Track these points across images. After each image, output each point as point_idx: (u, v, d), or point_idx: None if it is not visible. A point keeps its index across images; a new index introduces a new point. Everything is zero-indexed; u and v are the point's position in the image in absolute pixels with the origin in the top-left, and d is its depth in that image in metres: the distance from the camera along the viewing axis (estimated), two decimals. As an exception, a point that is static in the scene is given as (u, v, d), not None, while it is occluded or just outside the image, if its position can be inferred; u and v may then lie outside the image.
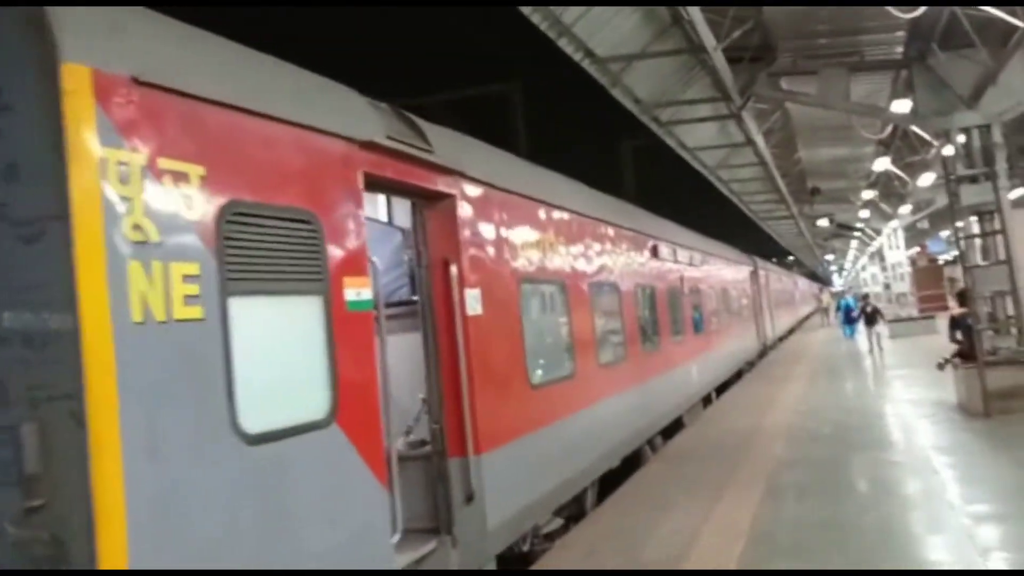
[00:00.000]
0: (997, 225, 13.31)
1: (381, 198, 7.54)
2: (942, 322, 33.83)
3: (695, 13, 10.38)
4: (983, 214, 13.54)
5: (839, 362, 25.73)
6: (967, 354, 13.69)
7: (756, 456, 11.43)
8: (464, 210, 7.17)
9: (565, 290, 9.55)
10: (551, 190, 9.77)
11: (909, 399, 15.80)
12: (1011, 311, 13.32)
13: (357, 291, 5.40)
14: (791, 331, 47.49)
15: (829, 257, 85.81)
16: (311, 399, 4.92)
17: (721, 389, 20.94)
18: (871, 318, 27.25)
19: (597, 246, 11.08)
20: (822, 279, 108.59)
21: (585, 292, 10.31)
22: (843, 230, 47.32)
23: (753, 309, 29.58)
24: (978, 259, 13.54)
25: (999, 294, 13.32)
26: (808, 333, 46.30)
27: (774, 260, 62.89)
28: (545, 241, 9.06)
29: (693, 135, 18.79)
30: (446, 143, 7.14)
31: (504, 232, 7.96)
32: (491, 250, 7.63)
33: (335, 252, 5.22)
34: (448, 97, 23.56)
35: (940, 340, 26.31)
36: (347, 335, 5.23)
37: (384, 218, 7.59)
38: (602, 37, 11.71)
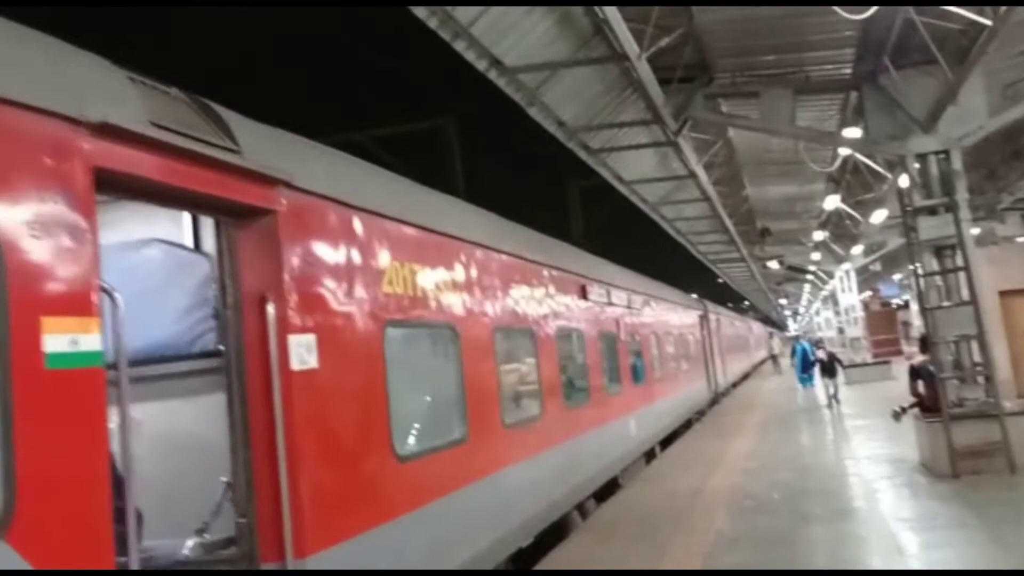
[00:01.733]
0: (959, 261, 11.94)
1: (187, 215, 5.83)
2: (897, 367, 32.77)
3: (611, 12, 8.88)
4: (943, 249, 12.16)
5: (792, 412, 24.23)
6: (930, 406, 12.22)
7: (694, 529, 9.76)
8: (293, 231, 5.47)
9: (457, 337, 7.86)
10: (440, 216, 8.13)
11: (868, 456, 14.27)
12: (977, 357, 11.90)
13: (72, 339, 3.67)
14: (745, 377, 46.22)
15: (782, 301, 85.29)
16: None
17: (668, 441, 19.37)
18: (828, 367, 24.54)
19: (506, 285, 9.45)
20: (777, 324, 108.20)
21: (486, 339, 8.63)
22: (795, 273, 46.41)
23: (703, 355, 28.12)
24: (940, 300, 12.12)
25: (964, 339, 11.89)
26: (763, 380, 44.96)
27: (729, 305, 62.01)
28: (427, 276, 7.39)
29: (631, 167, 17.32)
30: (263, 143, 5.47)
31: (360, 263, 6.28)
32: (338, 285, 5.93)
33: (26, 282, 3.50)
34: (383, 133, 22.17)
35: (897, 387, 25.01)
36: (44, 404, 3.49)
37: (188, 241, 5.86)
38: (510, 44, 10.20)
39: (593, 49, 11.08)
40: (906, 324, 50.89)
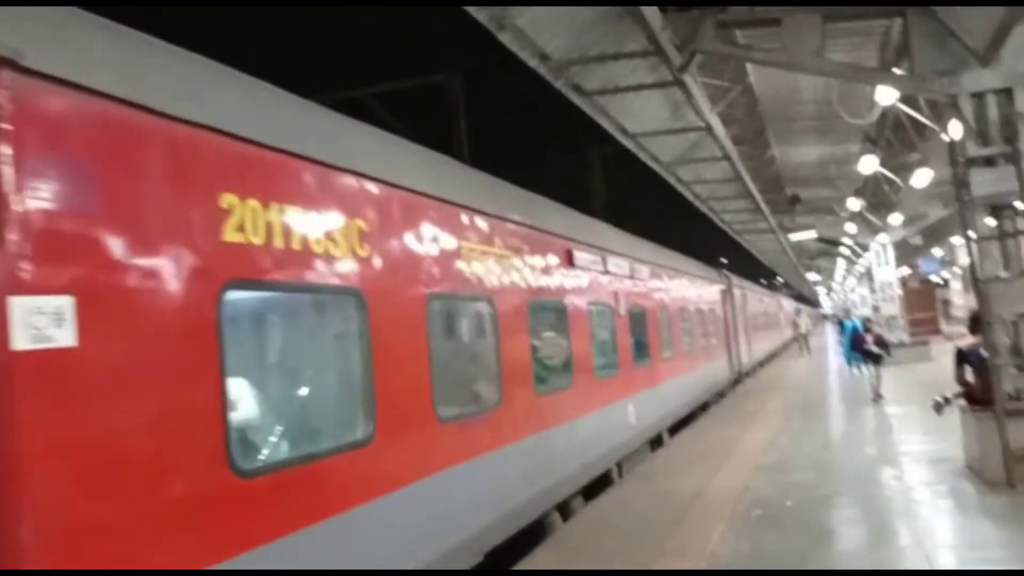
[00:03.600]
0: (1022, 224, 9.84)
1: None
2: (936, 348, 30.41)
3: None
4: (1001, 209, 10.04)
5: (820, 396, 22.14)
6: (980, 398, 10.18)
7: (683, 549, 7.88)
8: (33, 137, 3.63)
9: (364, 305, 5.98)
10: (342, 146, 6.25)
11: (903, 453, 12.24)
12: (1040, 341, 9.82)
13: None
14: (773, 356, 43.96)
15: (815, 277, 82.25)
16: None
17: (682, 424, 17.49)
18: (874, 353, 19.17)
19: (452, 244, 7.56)
20: (809, 301, 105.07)
21: (414, 310, 6.76)
22: (828, 246, 43.90)
23: (725, 332, 26.06)
24: (996, 271, 10.02)
25: (1024, 318, 9.81)
26: (793, 359, 42.55)
27: (762, 282, 59.70)
28: (316, 225, 5.52)
29: (637, 117, 15.20)
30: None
31: (181, 198, 4.42)
32: (130, 227, 4.08)
33: None
34: (385, 89, 20.42)
35: (936, 370, 22.82)
36: None
37: None
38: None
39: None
40: (946, 303, 48.28)
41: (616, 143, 19.24)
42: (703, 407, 21.00)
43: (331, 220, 5.68)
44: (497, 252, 8.61)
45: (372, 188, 6.32)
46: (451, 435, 7.11)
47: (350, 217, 5.94)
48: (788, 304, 66.29)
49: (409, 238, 6.76)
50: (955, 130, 10.34)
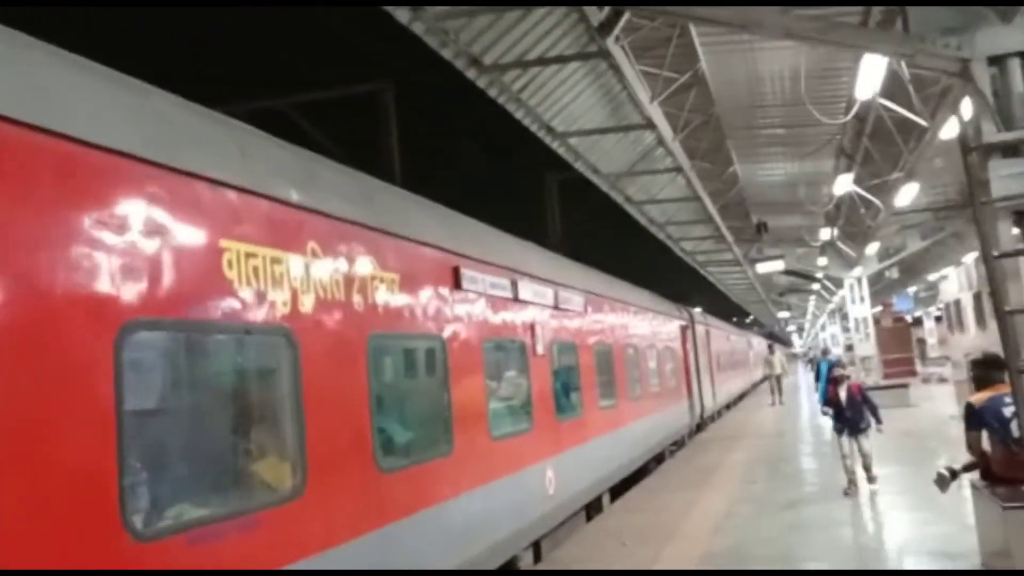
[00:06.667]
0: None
1: None
2: (915, 392, 27.82)
3: None
4: (1029, 215, 7.39)
5: (790, 450, 19.36)
6: (1000, 473, 7.46)
7: None
8: None
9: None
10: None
11: (897, 538, 9.48)
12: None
13: None
14: (742, 396, 41.30)
15: (785, 315, 79.85)
16: None
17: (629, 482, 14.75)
18: (850, 413, 12.15)
19: (193, 244, 4.72)
20: (781, 340, 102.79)
21: (87, 348, 3.91)
22: (799, 279, 41.46)
23: (684, 373, 23.33)
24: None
25: (1065, 363, 7.11)
26: (763, 404, 39.69)
27: (734, 320, 57.42)
28: None
29: (561, 109, 12.40)
30: None
31: None
32: None
33: None
34: (312, 98, 18.10)
35: (919, 417, 20.31)
36: None
37: None
38: None
39: None
40: (921, 342, 46.12)
41: (573, 171, 16.68)
42: (658, 459, 18.27)
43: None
44: (308, 265, 5.78)
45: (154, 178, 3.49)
46: (173, 559, 4.19)
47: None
48: (757, 342, 63.76)
49: (73, 232, 3.91)
50: (966, 111, 7.71)
